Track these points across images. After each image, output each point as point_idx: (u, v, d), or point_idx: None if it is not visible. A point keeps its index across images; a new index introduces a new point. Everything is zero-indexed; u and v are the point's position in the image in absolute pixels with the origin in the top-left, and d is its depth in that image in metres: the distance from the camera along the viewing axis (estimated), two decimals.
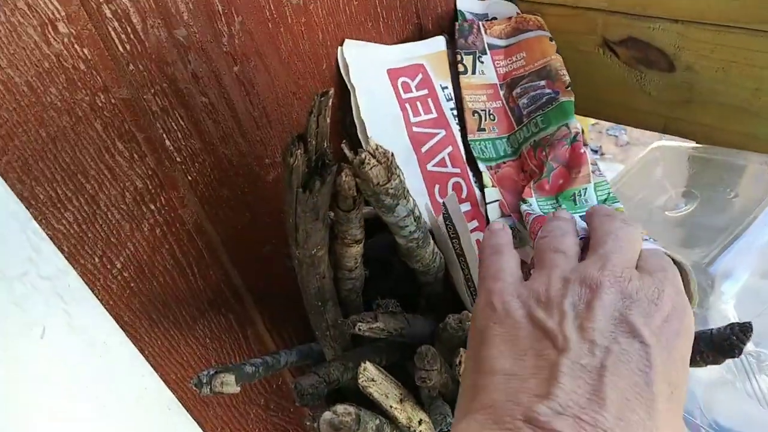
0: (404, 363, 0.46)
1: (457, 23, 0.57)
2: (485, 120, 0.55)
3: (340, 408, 0.36)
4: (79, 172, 0.35)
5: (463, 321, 0.43)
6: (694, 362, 0.40)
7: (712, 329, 0.39)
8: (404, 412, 0.41)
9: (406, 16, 0.54)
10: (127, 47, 0.35)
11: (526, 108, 0.55)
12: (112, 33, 0.34)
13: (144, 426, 0.42)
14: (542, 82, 0.56)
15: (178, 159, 0.40)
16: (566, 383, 0.25)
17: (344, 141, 0.34)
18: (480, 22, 0.58)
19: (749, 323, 0.37)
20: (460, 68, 0.55)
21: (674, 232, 0.55)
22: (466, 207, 0.50)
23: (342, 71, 0.49)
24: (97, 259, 0.37)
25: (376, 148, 0.34)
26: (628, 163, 0.70)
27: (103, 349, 0.39)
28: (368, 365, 0.39)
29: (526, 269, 0.34)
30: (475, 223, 0.50)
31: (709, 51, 0.55)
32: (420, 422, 0.42)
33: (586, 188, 0.48)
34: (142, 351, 0.42)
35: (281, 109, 0.46)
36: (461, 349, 0.41)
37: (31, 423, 0.36)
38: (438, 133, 0.52)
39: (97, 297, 0.38)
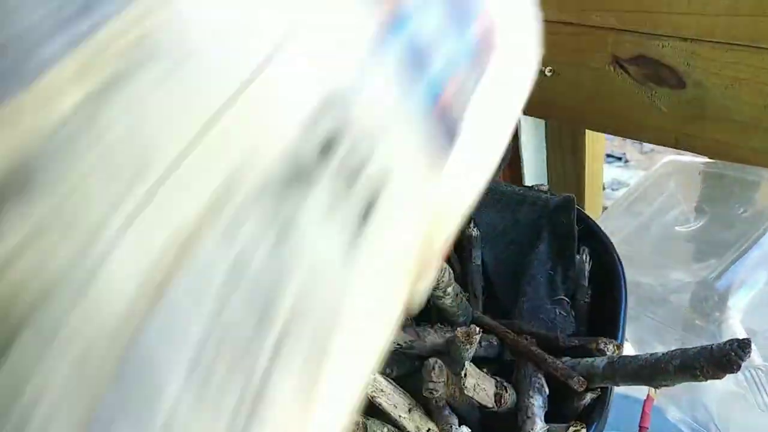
0: (414, 373, 0.48)
1: None
2: None
3: None
4: None
5: (470, 335, 0.44)
6: (694, 376, 0.41)
7: (713, 345, 0.40)
8: (412, 421, 0.42)
9: None
10: None
11: None
12: None
13: None
14: None
15: None
16: None
17: None
18: None
19: (748, 339, 0.39)
20: None
21: (684, 247, 0.56)
22: None
23: None
24: None
25: None
26: (643, 176, 0.71)
27: None
28: (377, 376, 0.41)
29: None
30: None
31: (718, 68, 0.56)
32: (428, 431, 0.43)
33: None
34: None
35: None
36: (467, 363, 0.42)
37: None
38: None
39: None
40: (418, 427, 0.43)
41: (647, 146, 2.21)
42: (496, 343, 0.54)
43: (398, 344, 0.45)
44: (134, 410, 0.14)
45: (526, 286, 0.59)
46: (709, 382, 0.70)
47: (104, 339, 0.14)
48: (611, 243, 0.58)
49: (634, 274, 0.59)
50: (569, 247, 0.59)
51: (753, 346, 0.53)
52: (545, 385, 0.51)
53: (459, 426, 0.42)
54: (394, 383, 0.43)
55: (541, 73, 0.67)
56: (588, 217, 0.61)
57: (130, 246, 0.14)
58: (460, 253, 0.63)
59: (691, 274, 0.46)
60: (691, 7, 0.54)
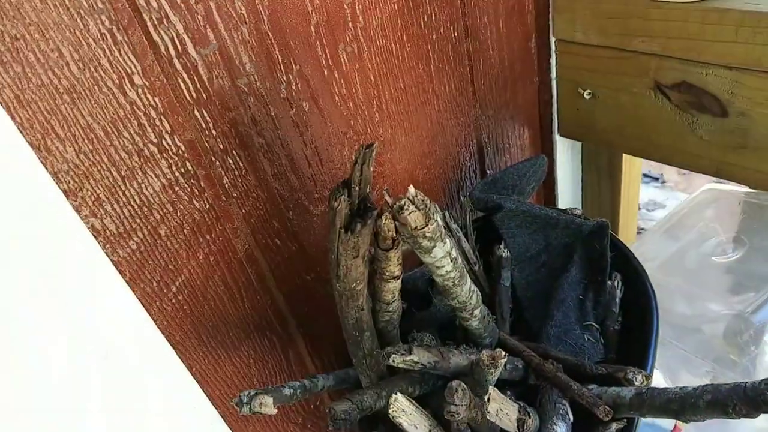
0: (436, 393, 0.48)
1: None
2: None
3: None
4: (144, 205, 0.39)
5: (496, 358, 0.44)
6: (726, 413, 0.40)
7: (747, 383, 0.39)
8: None
9: (458, 58, 0.56)
10: (194, 95, 0.39)
11: None
12: (182, 83, 0.38)
13: (185, 430, 0.45)
14: None
15: (234, 194, 0.44)
16: None
17: (386, 188, 0.36)
18: None
19: None
20: None
21: (721, 279, 0.54)
22: None
23: None
24: (155, 284, 0.41)
25: (416, 195, 0.36)
26: (681, 203, 0.70)
27: (156, 364, 0.42)
28: (399, 396, 0.41)
29: None
30: None
31: (764, 98, 0.55)
32: None
33: None
34: (189, 368, 0.45)
35: (332, 147, 0.49)
36: (492, 388, 0.42)
37: (82, 421, 0.40)
38: None
39: (152, 317, 0.41)
40: None
41: None
42: (521, 366, 0.53)
43: (422, 364, 0.45)
44: None
45: (555, 310, 0.58)
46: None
47: None
48: (644, 270, 0.57)
49: (666, 302, 0.58)
50: (601, 272, 0.59)
51: None
52: (569, 412, 0.50)
53: None
54: (415, 403, 0.43)
55: (580, 95, 0.66)
56: (622, 243, 0.60)
57: None
58: (489, 274, 0.63)
59: (727, 306, 0.44)
60: (739, 36, 0.53)
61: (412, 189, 0.37)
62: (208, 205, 0.42)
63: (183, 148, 0.39)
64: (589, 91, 0.65)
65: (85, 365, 0.37)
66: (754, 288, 0.51)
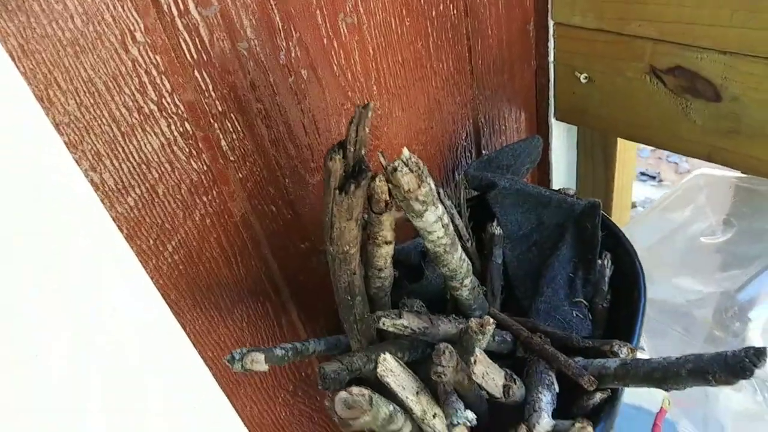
0: (425, 360, 0.49)
1: None
2: None
3: (355, 389, 0.39)
4: (143, 163, 0.40)
5: (484, 325, 0.45)
6: (706, 381, 0.41)
7: (728, 351, 0.40)
8: (419, 404, 0.43)
9: (457, 36, 0.57)
10: (195, 56, 0.39)
11: None
12: (183, 44, 0.38)
13: (177, 393, 0.46)
14: None
15: (231, 157, 0.44)
16: None
17: (381, 150, 0.37)
18: None
19: (765, 348, 0.38)
20: None
21: (708, 258, 0.55)
22: None
23: None
24: (151, 242, 0.42)
25: (409, 158, 0.37)
26: (674, 187, 0.71)
27: (150, 320, 0.43)
28: (387, 356, 0.41)
29: None
30: None
31: (756, 83, 0.56)
32: (434, 416, 0.44)
33: None
34: (183, 327, 0.46)
35: (329, 118, 0.50)
36: (477, 350, 0.43)
37: (76, 371, 0.40)
38: None
39: (148, 275, 0.42)
40: (424, 411, 0.44)
41: (683, 166, 2.17)
42: (510, 339, 0.55)
43: (411, 329, 0.46)
44: None
45: (545, 287, 0.59)
46: (725, 398, 0.70)
47: None
48: (634, 250, 0.58)
49: (655, 282, 0.59)
50: (592, 251, 0.59)
51: None
52: (555, 382, 0.51)
53: (464, 410, 0.43)
54: (403, 365, 0.44)
55: (576, 79, 0.67)
56: (613, 223, 0.61)
57: None
58: (481, 251, 0.64)
59: (714, 286, 0.45)
60: (734, 20, 0.54)
61: (406, 151, 0.38)
62: (205, 167, 0.43)
63: (182, 109, 0.40)
64: (585, 75, 0.66)
65: (81, 317, 0.38)
66: (740, 267, 0.52)
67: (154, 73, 0.38)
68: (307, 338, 0.56)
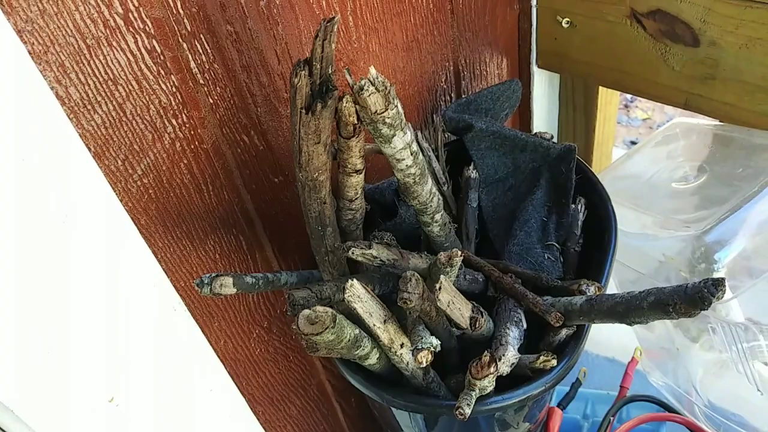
0: (395, 293, 0.49)
1: None
2: None
3: (320, 307, 0.39)
4: (110, 79, 0.39)
5: (452, 257, 0.45)
6: (666, 313, 0.42)
7: (688, 283, 0.41)
8: (387, 332, 0.44)
9: None
10: None
11: None
12: None
13: (148, 318, 0.46)
14: None
15: (201, 81, 0.44)
16: None
17: (347, 67, 0.37)
18: None
19: (722, 279, 0.39)
20: None
21: (678, 202, 0.56)
22: None
23: None
24: (119, 162, 0.42)
25: (376, 77, 0.37)
26: (651, 135, 0.71)
27: (119, 242, 0.43)
28: (355, 282, 0.42)
29: None
30: None
31: (734, 26, 0.55)
32: (402, 345, 0.45)
33: None
34: (155, 254, 0.46)
35: (303, 47, 0.49)
36: (442, 277, 0.43)
37: (37, 297, 0.41)
38: None
39: (117, 197, 0.42)
40: (392, 340, 0.45)
41: None
42: (481, 279, 0.55)
43: (381, 260, 0.46)
44: None
45: (518, 230, 0.60)
46: (694, 351, 0.71)
47: None
48: (608, 195, 0.59)
49: (627, 227, 0.59)
50: (565, 195, 0.60)
51: (734, 303, 0.54)
52: (524, 320, 0.52)
53: (429, 337, 0.44)
54: (371, 292, 0.44)
55: (558, 23, 0.67)
56: (588, 168, 0.61)
57: None
58: (458, 195, 0.64)
59: (683, 229, 0.46)
60: None
61: (373, 70, 0.38)
62: (174, 89, 0.43)
63: (150, 25, 0.40)
64: (567, 19, 0.66)
65: (44, 229, 0.38)
66: (709, 210, 0.53)
67: None
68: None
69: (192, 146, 0.46)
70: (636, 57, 0.63)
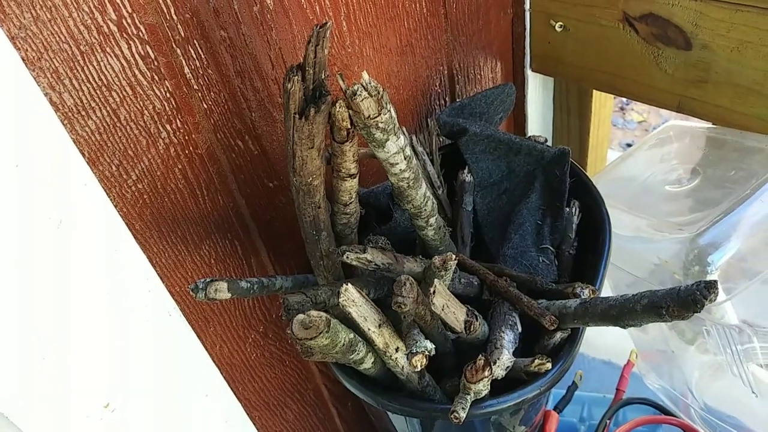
0: (390, 297, 0.49)
1: None
2: None
3: (314, 312, 0.39)
4: (104, 85, 0.39)
5: (446, 261, 0.45)
6: (659, 316, 0.42)
7: (681, 286, 0.41)
8: (381, 336, 0.44)
9: None
10: None
11: None
12: None
13: (144, 324, 0.46)
14: None
15: (195, 86, 0.44)
16: None
17: (340, 72, 0.37)
18: None
19: (715, 281, 0.39)
20: None
21: (672, 205, 0.56)
22: None
23: None
24: (114, 168, 0.42)
25: (369, 82, 0.37)
26: (644, 138, 0.71)
27: (114, 247, 0.43)
28: (350, 287, 0.42)
29: None
30: None
31: (725, 30, 0.56)
32: (397, 349, 0.45)
33: None
34: (150, 259, 0.46)
35: (297, 52, 0.49)
36: (436, 281, 0.43)
37: (32, 303, 0.41)
38: None
39: (112, 203, 0.42)
40: (387, 344, 0.45)
41: None
42: (476, 282, 0.55)
43: (376, 264, 0.46)
44: None
45: (513, 233, 0.60)
46: (689, 353, 0.71)
47: None
48: (602, 198, 0.59)
49: (620, 230, 0.60)
50: (560, 199, 0.60)
51: (729, 305, 0.54)
52: (519, 323, 0.52)
53: (424, 341, 0.44)
54: (366, 296, 0.44)
55: (552, 27, 0.67)
56: (582, 171, 0.61)
57: None
58: (452, 199, 0.64)
59: (676, 232, 0.46)
60: None
61: (365, 75, 0.38)
62: (168, 94, 0.43)
63: (143, 31, 0.40)
64: (560, 23, 0.66)
65: (39, 235, 0.38)
66: (701, 213, 0.53)
67: None
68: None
69: (186, 151, 0.46)
70: (629, 60, 0.63)
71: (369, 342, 0.45)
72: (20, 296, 0.37)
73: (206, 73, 0.44)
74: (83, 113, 0.39)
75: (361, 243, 0.53)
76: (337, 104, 0.39)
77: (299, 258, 0.57)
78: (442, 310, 0.44)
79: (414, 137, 0.59)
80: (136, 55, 0.40)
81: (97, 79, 0.39)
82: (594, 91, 0.74)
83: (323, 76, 0.38)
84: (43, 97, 0.37)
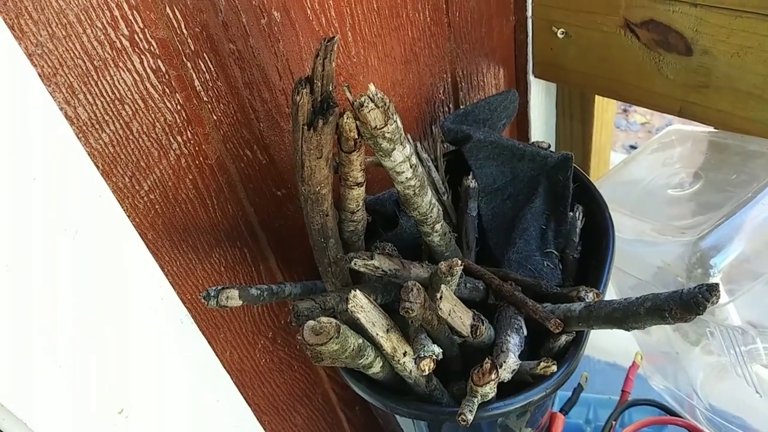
0: (397, 303, 0.50)
1: None
2: None
3: (324, 318, 0.40)
4: (117, 99, 0.40)
5: (452, 266, 0.46)
6: (662, 318, 0.43)
7: (683, 289, 0.42)
8: (389, 341, 0.45)
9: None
10: None
11: None
12: None
13: (156, 331, 0.47)
14: None
15: (204, 98, 0.45)
16: None
17: (347, 84, 0.38)
18: None
19: (717, 284, 0.40)
20: None
21: (674, 209, 0.57)
22: None
23: None
24: (127, 179, 0.43)
25: (375, 93, 0.38)
26: (647, 143, 0.72)
27: (127, 257, 0.44)
28: (358, 293, 0.43)
29: None
30: None
31: (725, 36, 0.56)
32: (404, 354, 0.46)
33: None
34: (162, 267, 0.47)
35: (304, 63, 0.50)
36: (443, 286, 0.44)
37: (50, 312, 0.42)
38: None
39: (125, 213, 0.43)
40: (395, 348, 0.46)
41: None
42: (482, 287, 0.56)
43: (383, 270, 0.47)
44: None
45: (518, 238, 0.61)
46: (694, 354, 0.72)
47: None
48: (605, 203, 0.60)
49: (624, 233, 0.60)
50: (563, 203, 0.61)
51: (732, 307, 0.55)
52: (524, 327, 0.53)
53: (431, 345, 0.44)
54: (374, 302, 0.45)
55: (554, 34, 0.68)
56: (585, 176, 0.62)
57: None
58: (457, 205, 0.65)
59: (678, 235, 0.47)
60: None
61: (372, 87, 0.39)
62: (179, 107, 0.44)
63: (155, 45, 0.41)
64: (562, 30, 0.67)
65: (55, 245, 0.39)
66: (704, 216, 0.53)
67: (126, 7, 0.39)
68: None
69: (197, 162, 0.47)
70: (630, 66, 0.64)
71: (377, 347, 0.45)
72: (39, 306, 0.38)
73: (216, 86, 0.45)
74: (97, 126, 0.40)
75: (369, 249, 0.54)
76: (345, 115, 0.40)
77: (307, 265, 0.58)
78: (449, 314, 0.45)
79: (419, 144, 0.60)
80: (148, 69, 0.41)
81: (110, 93, 0.40)
82: (596, 96, 0.74)
83: (331, 88, 0.39)
84: (59, 111, 0.38)
